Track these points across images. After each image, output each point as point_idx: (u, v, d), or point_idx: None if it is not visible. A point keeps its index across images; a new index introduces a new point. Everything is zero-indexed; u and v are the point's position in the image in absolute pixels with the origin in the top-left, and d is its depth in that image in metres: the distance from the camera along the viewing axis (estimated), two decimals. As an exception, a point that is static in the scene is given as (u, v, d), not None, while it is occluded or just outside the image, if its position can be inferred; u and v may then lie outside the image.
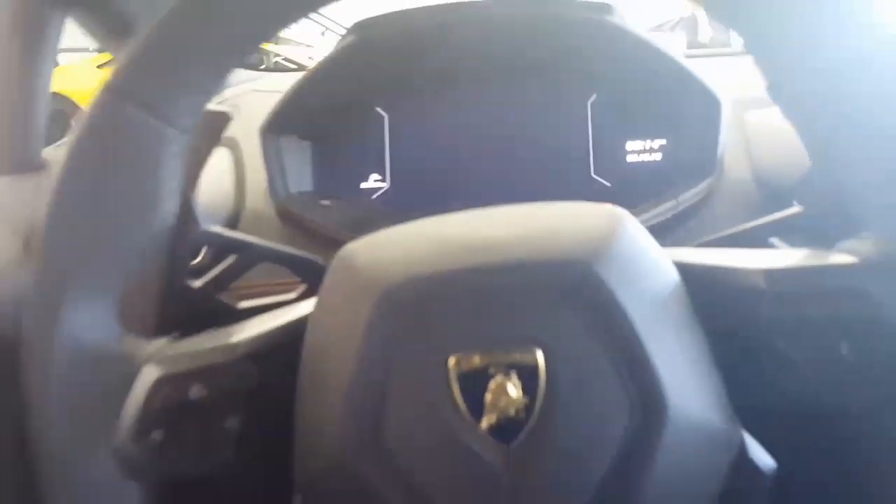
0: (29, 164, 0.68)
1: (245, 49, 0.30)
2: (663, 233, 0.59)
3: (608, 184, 0.66)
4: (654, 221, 0.59)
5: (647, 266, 0.29)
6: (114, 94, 0.29)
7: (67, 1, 0.67)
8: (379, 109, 0.66)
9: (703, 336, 0.30)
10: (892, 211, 0.28)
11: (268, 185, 0.63)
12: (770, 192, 0.60)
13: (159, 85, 0.30)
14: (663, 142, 0.65)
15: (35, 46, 0.66)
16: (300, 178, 0.65)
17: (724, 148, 0.61)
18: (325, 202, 0.65)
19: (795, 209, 0.40)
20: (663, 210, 0.59)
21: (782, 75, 0.29)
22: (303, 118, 0.63)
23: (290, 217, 0.62)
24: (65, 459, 0.30)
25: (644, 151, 0.66)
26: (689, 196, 0.59)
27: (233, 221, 0.62)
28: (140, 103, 0.29)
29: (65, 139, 0.83)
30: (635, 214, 0.58)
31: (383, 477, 0.27)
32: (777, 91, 0.29)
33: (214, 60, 0.30)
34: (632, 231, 0.29)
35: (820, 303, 0.29)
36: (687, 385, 0.28)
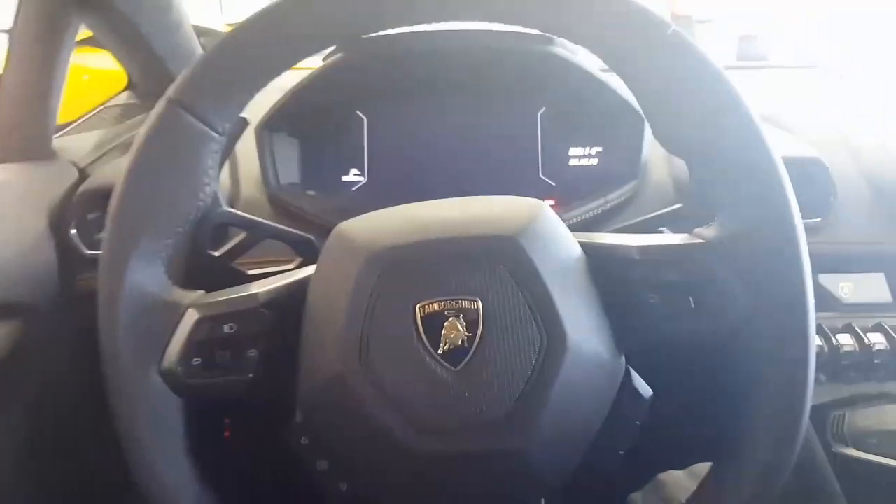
0: (42, 153, 0.74)
1: (274, 73, 0.39)
2: (595, 225, 0.69)
3: (553, 183, 0.74)
4: (588, 215, 0.69)
5: (557, 241, 0.39)
6: (172, 103, 0.38)
7: (82, 8, 0.75)
8: (359, 113, 0.72)
9: (595, 291, 0.40)
10: (727, 210, 0.39)
11: (261, 176, 0.69)
12: (687, 188, 0.69)
13: (206, 98, 0.38)
14: (600, 149, 0.74)
15: (53, 48, 0.71)
16: (289, 170, 0.71)
17: (648, 157, 0.71)
18: (311, 192, 0.72)
19: (677, 206, 0.52)
20: (595, 206, 0.69)
21: (668, 131, 0.40)
22: (293, 118, 0.69)
23: (279, 204, 0.69)
24: (126, 379, 0.39)
25: (584, 157, 0.74)
26: (616, 195, 0.69)
27: (230, 206, 0.71)
28: (191, 112, 0.38)
29: (67, 129, 0.90)
30: (573, 209, 0.69)
31: (366, 389, 0.36)
32: (664, 140, 0.41)
33: (249, 82, 0.39)
34: (548, 217, 0.40)
35: (675, 269, 0.39)
36: (582, 326, 0.38)
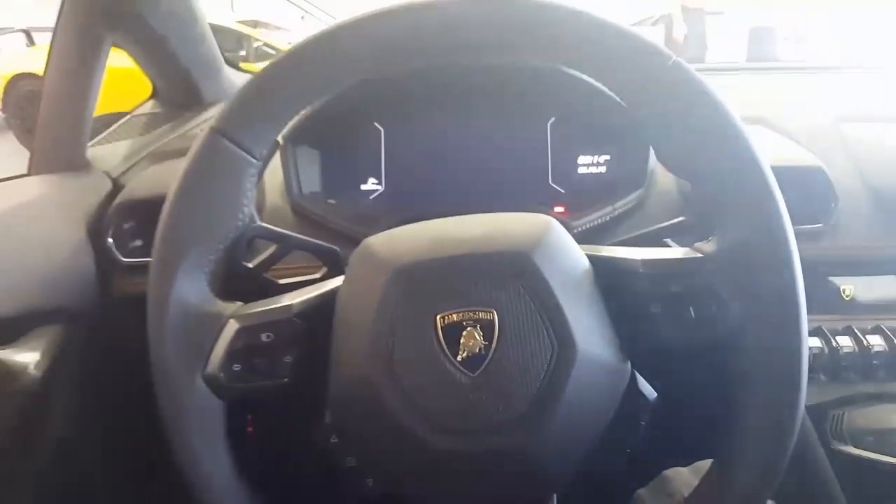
0: (78, 164, 0.78)
1: (306, 104, 0.43)
2: (603, 231, 0.71)
3: (562, 190, 0.76)
4: (597, 222, 0.71)
5: (566, 255, 0.42)
6: (215, 132, 0.41)
7: (113, 25, 0.78)
8: (377, 125, 0.75)
9: (602, 301, 0.43)
10: (725, 226, 0.42)
11: (284, 186, 0.73)
12: (689, 202, 0.72)
13: (246, 129, 0.42)
14: (608, 157, 0.76)
15: (88, 64, 0.75)
16: (310, 180, 0.74)
17: (654, 166, 0.73)
18: (331, 201, 0.75)
19: (681, 218, 0.55)
20: (602, 214, 0.71)
21: (669, 154, 0.43)
22: (314, 131, 0.73)
23: (302, 212, 0.72)
24: (173, 383, 0.42)
25: (592, 165, 0.76)
26: (623, 203, 0.71)
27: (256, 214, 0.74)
28: (233, 140, 0.41)
29: (97, 138, 0.94)
30: (582, 216, 0.72)
31: (390, 391, 0.39)
32: (666, 161, 0.43)
33: (284, 113, 0.42)
34: (557, 232, 0.43)
35: (676, 282, 0.42)
36: (590, 334, 0.41)
